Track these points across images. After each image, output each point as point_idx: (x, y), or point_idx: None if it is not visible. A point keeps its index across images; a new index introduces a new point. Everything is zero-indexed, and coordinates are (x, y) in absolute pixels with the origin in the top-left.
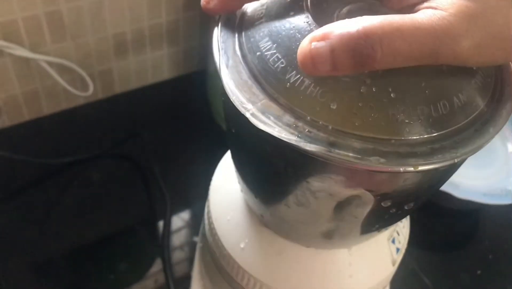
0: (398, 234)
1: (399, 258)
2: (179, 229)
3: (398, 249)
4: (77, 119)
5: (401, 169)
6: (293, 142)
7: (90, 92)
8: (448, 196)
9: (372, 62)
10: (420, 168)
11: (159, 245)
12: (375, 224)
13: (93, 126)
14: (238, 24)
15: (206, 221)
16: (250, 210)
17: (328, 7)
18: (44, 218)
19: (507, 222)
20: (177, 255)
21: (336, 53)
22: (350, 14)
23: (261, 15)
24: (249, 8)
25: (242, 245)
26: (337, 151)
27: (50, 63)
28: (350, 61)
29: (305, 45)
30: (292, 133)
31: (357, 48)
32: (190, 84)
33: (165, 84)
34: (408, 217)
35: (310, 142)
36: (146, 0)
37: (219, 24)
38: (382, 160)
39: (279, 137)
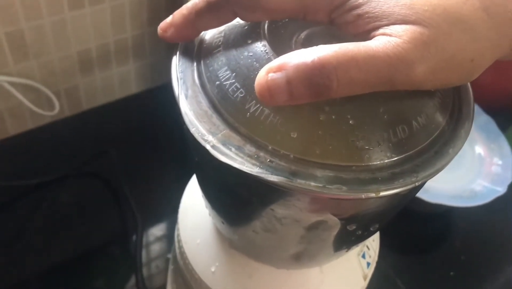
0: (368, 248)
1: (370, 272)
2: (152, 245)
3: (368, 264)
4: (45, 139)
5: (362, 196)
6: (255, 173)
7: (56, 111)
8: (418, 200)
9: (328, 91)
10: (382, 194)
11: (132, 263)
12: (343, 245)
13: (61, 145)
14: (197, 52)
15: (176, 244)
16: (220, 233)
17: (285, 33)
18: (13, 242)
19: (478, 222)
20: (151, 271)
21: (293, 84)
22: (308, 40)
23: (219, 43)
24: (207, 35)
25: (212, 269)
26: (299, 180)
27: (13, 84)
28: (306, 91)
29: (261, 77)
30: (254, 164)
31: (313, 79)
32: (158, 97)
33: (133, 98)
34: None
35: (272, 172)
36: (110, 17)
37: (177, 53)
38: (343, 188)
39: (241, 169)
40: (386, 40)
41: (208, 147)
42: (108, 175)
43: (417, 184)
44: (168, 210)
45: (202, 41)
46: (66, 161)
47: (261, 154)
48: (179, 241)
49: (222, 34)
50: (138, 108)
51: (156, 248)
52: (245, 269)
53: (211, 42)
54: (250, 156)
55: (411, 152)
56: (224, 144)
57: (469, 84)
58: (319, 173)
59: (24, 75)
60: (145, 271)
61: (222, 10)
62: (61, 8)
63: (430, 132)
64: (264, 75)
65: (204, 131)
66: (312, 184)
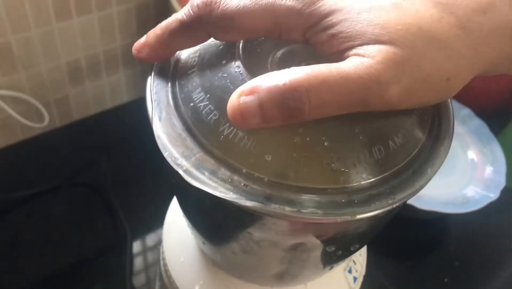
0: (355, 262)
1: (357, 286)
2: (143, 255)
3: (355, 278)
4: (35, 150)
5: (338, 220)
6: (229, 199)
7: (45, 122)
8: (410, 207)
9: (300, 114)
10: (358, 217)
11: (123, 274)
12: (325, 265)
13: (52, 156)
14: (172, 72)
15: (161, 262)
16: (203, 251)
17: (261, 52)
18: (6, 253)
19: (471, 228)
20: (142, 281)
21: (265, 107)
22: (284, 59)
23: (194, 63)
24: (183, 54)
25: (197, 287)
26: (273, 205)
27: (1, 97)
28: (279, 114)
29: (234, 100)
30: (227, 189)
31: (285, 102)
32: None
33: (125, 107)
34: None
35: (246, 197)
36: (98, 27)
37: (152, 73)
38: (318, 212)
39: (214, 194)
40: (359, 61)
41: (180, 171)
42: (100, 185)
43: (394, 205)
44: (159, 220)
45: (178, 60)
46: (58, 172)
47: (235, 177)
48: (163, 259)
49: (197, 54)
50: (129, 117)
51: (147, 258)
52: (229, 287)
53: (186, 62)
54: (224, 180)
55: (388, 173)
56: (197, 168)
57: (449, 100)
58: (293, 196)
59: (13, 88)
60: (136, 281)
61: (195, 30)
62: (49, 19)
63: (408, 151)
64: (236, 99)
65: (177, 155)
66: (287, 208)
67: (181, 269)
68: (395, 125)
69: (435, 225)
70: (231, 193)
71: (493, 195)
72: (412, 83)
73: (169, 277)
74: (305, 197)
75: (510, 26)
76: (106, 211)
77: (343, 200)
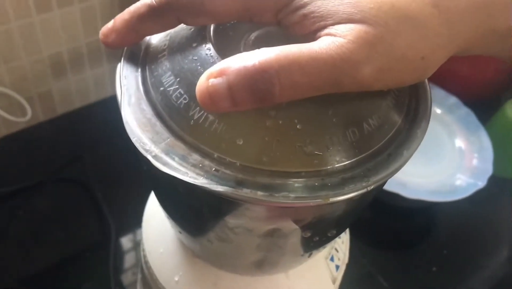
0: (337, 250)
1: (339, 275)
2: (128, 251)
3: (337, 266)
4: (19, 145)
5: (311, 203)
6: (199, 184)
7: (28, 117)
8: (397, 196)
9: (271, 96)
10: (331, 200)
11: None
12: (304, 251)
13: (36, 151)
14: (143, 57)
15: (141, 253)
16: (182, 242)
17: (234, 35)
18: None
19: (460, 216)
20: (128, 278)
21: (234, 89)
22: (258, 41)
23: (164, 47)
24: (153, 39)
25: (176, 278)
26: (245, 190)
27: None
28: (249, 97)
29: (202, 83)
30: (198, 174)
31: (255, 84)
32: None
33: (109, 100)
34: (347, 231)
35: (218, 182)
36: (80, 19)
37: (122, 58)
38: (291, 196)
39: (184, 179)
40: (330, 41)
41: (149, 157)
42: (84, 180)
43: (368, 188)
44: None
45: (148, 45)
46: (42, 167)
47: (207, 162)
48: (143, 250)
49: (168, 38)
50: (114, 110)
51: (133, 254)
52: (209, 277)
53: (156, 47)
54: (194, 166)
55: (362, 155)
56: (167, 153)
57: (426, 81)
58: (266, 180)
59: None
60: (123, 278)
61: (164, 15)
62: (29, 11)
63: (384, 134)
64: (204, 81)
65: (146, 141)
66: (259, 192)
67: (160, 260)
68: (370, 107)
69: (423, 213)
70: (202, 178)
71: (481, 183)
72: (385, 63)
73: (148, 268)
74: (278, 181)
75: (486, 4)
76: (92, 206)
77: (316, 184)
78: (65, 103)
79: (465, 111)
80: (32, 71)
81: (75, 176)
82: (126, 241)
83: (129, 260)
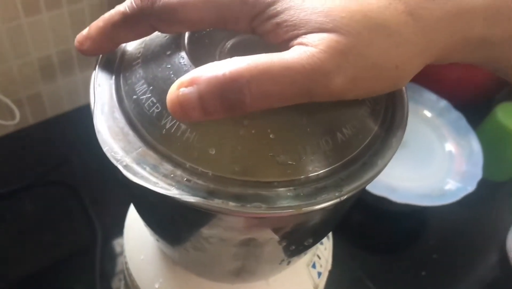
0: (319, 257)
1: (322, 282)
2: (118, 255)
3: (320, 273)
4: (8, 148)
5: (282, 213)
6: (170, 194)
7: (17, 120)
8: (386, 201)
9: (242, 106)
10: (304, 210)
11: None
12: (281, 260)
13: (25, 154)
14: (118, 64)
15: (123, 260)
16: (162, 249)
17: (210, 43)
18: None
19: (449, 220)
20: (116, 283)
21: (205, 99)
22: (234, 49)
23: (139, 55)
24: (129, 46)
25: (156, 285)
26: (216, 200)
27: None
28: (220, 107)
29: (173, 92)
30: (169, 184)
31: (225, 93)
32: None
33: None
34: (330, 237)
35: (189, 192)
36: (69, 21)
37: (97, 66)
38: (262, 206)
39: (155, 190)
40: (302, 50)
41: (120, 167)
42: (73, 183)
43: (341, 198)
44: None
45: (123, 52)
46: (30, 170)
47: (178, 172)
48: (124, 257)
49: (143, 45)
50: None
51: (121, 260)
52: (189, 285)
53: (131, 54)
54: (165, 176)
55: (336, 165)
56: (138, 163)
57: (404, 89)
58: (238, 190)
59: None
60: (112, 283)
61: (138, 23)
62: (17, 14)
63: (358, 143)
64: (175, 90)
65: (118, 150)
66: (230, 203)
67: (141, 267)
68: (344, 116)
69: (413, 218)
70: (173, 188)
71: (470, 188)
72: (357, 72)
73: (129, 275)
74: (250, 191)
75: (461, 13)
76: (80, 210)
77: (288, 194)
78: (54, 106)
79: (455, 115)
80: (20, 74)
81: (64, 179)
82: (115, 245)
83: (118, 264)
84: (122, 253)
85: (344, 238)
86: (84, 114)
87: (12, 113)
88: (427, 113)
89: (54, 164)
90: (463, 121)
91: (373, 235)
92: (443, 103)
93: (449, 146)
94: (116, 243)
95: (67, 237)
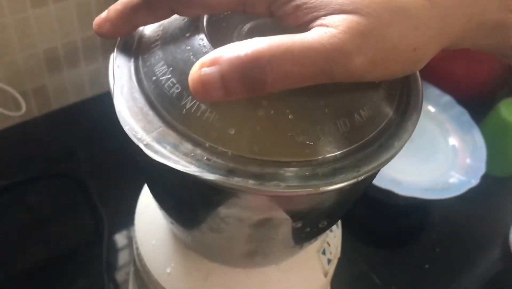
0: (329, 244)
1: (331, 268)
2: (123, 248)
3: (329, 260)
4: (13, 140)
5: (301, 192)
6: (190, 172)
7: (23, 111)
8: (391, 194)
9: (263, 86)
10: (322, 189)
11: (101, 267)
12: (295, 242)
13: (30, 146)
14: (136, 47)
15: (134, 246)
16: (174, 233)
17: (228, 26)
18: None
19: (453, 214)
20: (122, 275)
21: (227, 79)
22: (251, 32)
23: (157, 37)
24: (146, 30)
25: (168, 270)
26: (236, 178)
27: None
28: (241, 86)
29: (194, 72)
30: (189, 163)
31: (247, 73)
32: None
33: (104, 96)
34: (339, 225)
35: (209, 171)
36: (76, 14)
37: (116, 48)
38: (281, 185)
39: (176, 168)
40: (322, 31)
41: (141, 145)
42: (79, 176)
43: (359, 178)
44: None
45: (141, 35)
46: (36, 162)
47: (198, 151)
48: (135, 242)
49: (161, 28)
50: (109, 106)
51: (127, 251)
52: (201, 269)
53: (150, 37)
54: (186, 154)
55: (353, 146)
56: (159, 142)
57: (418, 74)
58: (257, 169)
59: None
60: (117, 275)
61: (158, 6)
62: (23, 6)
63: (375, 125)
64: (197, 70)
65: (138, 130)
66: (250, 181)
67: (152, 252)
68: (361, 99)
69: (416, 211)
70: (193, 166)
71: (474, 181)
72: (376, 54)
73: (141, 260)
74: (269, 170)
75: None
76: (85, 202)
77: (307, 173)
78: (60, 98)
79: (459, 110)
80: (26, 66)
81: (69, 172)
82: (120, 238)
83: (123, 257)
84: (128, 245)
85: (349, 231)
86: (89, 107)
87: (18, 104)
88: (431, 108)
89: (59, 156)
90: (466, 117)
91: (377, 229)
92: (447, 98)
93: (453, 140)
94: (121, 236)
95: (73, 229)
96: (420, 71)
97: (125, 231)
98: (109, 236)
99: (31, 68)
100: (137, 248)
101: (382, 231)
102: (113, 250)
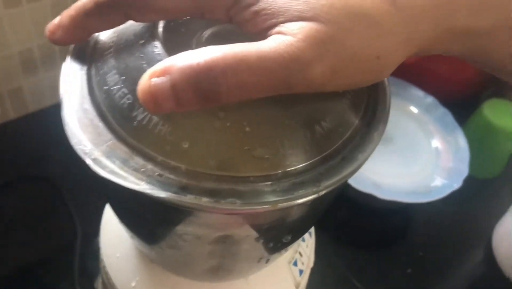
0: (301, 254)
1: (303, 279)
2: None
3: (301, 271)
4: None
5: (258, 209)
6: (140, 190)
7: None
8: (372, 197)
9: (217, 97)
10: (280, 206)
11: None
12: (259, 257)
13: (6, 149)
14: (90, 54)
15: (100, 258)
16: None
17: (186, 32)
18: None
19: (435, 217)
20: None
21: (178, 89)
22: (211, 39)
23: (112, 44)
24: (102, 36)
25: (133, 284)
26: (189, 196)
27: None
28: (194, 97)
29: (144, 82)
30: (140, 179)
31: (200, 83)
32: None
33: None
34: (313, 233)
35: (160, 187)
36: (51, 14)
37: (69, 55)
38: (237, 202)
39: (123, 185)
40: (280, 40)
41: (88, 160)
42: (55, 180)
43: (319, 193)
44: None
45: (96, 42)
46: (10, 166)
47: (149, 166)
48: (101, 254)
49: (116, 34)
50: None
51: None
52: (166, 283)
53: (104, 43)
54: (136, 170)
55: (315, 159)
56: (108, 157)
57: (386, 82)
58: (212, 185)
59: None
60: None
61: (112, 11)
62: None
63: (338, 136)
64: (147, 80)
65: (87, 143)
66: (204, 199)
67: (117, 265)
68: (323, 109)
69: (399, 214)
70: (144, 183)
71: (456, 184)
72: (337, 62)
73: (106, 273)
74: (225, 186)
75: (444, 2)
76: (60, 207)
77: (265, 189)
78: (36, 101)
79: (442, 111)
80: (1, 68)
81: (44, 175)
82: (96, 243)
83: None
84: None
85: (329, 235)
86: None
87: None
88: (414, 110)
89: (35, 159)
90: (449, 118)
91: (359, 232)
92: (430, 99)
93: (436, 142)
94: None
95: (48, 234)
96: (403, 72)
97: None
98: (84, 241)
99: (6, 70)
100: (103, 260)
101: (363, 234)
102: (92, 254)
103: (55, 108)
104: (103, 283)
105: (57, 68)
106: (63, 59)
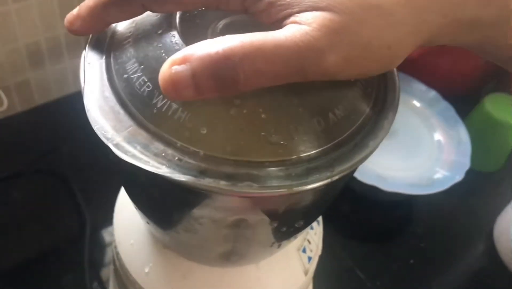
0: (310, 242)
1: (312, 266)
2: (109, 244)
3: (310, 258)
4: None
5: (274, 193)
6: (161, 173)
7: (5, 106)
8: (375, 189)
9: (235, 84)
10: (295, 190)
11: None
12: (272, 242)
13: (13, 142)
14: (108, 44)
15: (112, 244)
16: (152, 233)
17: (201, 22)
18: None
19: (438, 209)
20: (108, 272)
21: (198, 77)
22: (226, 29)
23: (130, 34)
24: (119, 26)
25: (146, 270)
26: (207, 179)
27: None
28: (213, 85)
29: (165, 70)
30: (160, 163)
31: (218, 71)
32: None
33: None
34: (320, 222)
35: (180, 171)
36: (58, 8)
37: (87, 45)
38: (254, 185)
39: (146, 168)
40: (295, 29)
41: (110, 145)
42: (62, 172)
43: (333, 178)
44: None
45: (114, 32)
46: (18, 158)
47: (169, 151)
48: (114, 241)
49: (134, 25)
50: None
51: (111, 247)
52: (179, 269)
53: (122, 33)
54: (156, 154)
55: (328, 145)
56: (129, 142)
57: (395, 71)
58: (229, 170)
59: None
60: (102, 272)
61: (129, 2)
62: (4, 0)
63: (350, 124)
64: (167, 68)
65: (108, 129)
66: (222, 182)
67: (130, 252)
68: (336, 97)
69: (401, 206)
70: (164, 167)
71: (458, 177)
72: (350, 51)
73: (119, 259)
74: (242, 170)
75: None
76: (69, 199)
77: (280, 173)
78: (43, 94)
79: (444, 105)
80: (8, 61)
81: (52, 168)
82: (106, 234)
83: (109, 254)
84: (111, 241)
85: (333, 227)
86: (73, 102)
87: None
88: (417, 104)
89: (42, 152)
90: (452, 112)
91: (362, 224)
92: (433, 93)
93: (438, 136)
94: (106, 232)
95: (56, 226)
96: (406, 67)
97: (108, 228)
98: (92, 232)
99: (13, 63)
100: (116, 247)
101: (366, 226)
102: (99, 246)
103: (62, 101)
104: (115, 270)
105: (64, 61)
106: (70, 53)
